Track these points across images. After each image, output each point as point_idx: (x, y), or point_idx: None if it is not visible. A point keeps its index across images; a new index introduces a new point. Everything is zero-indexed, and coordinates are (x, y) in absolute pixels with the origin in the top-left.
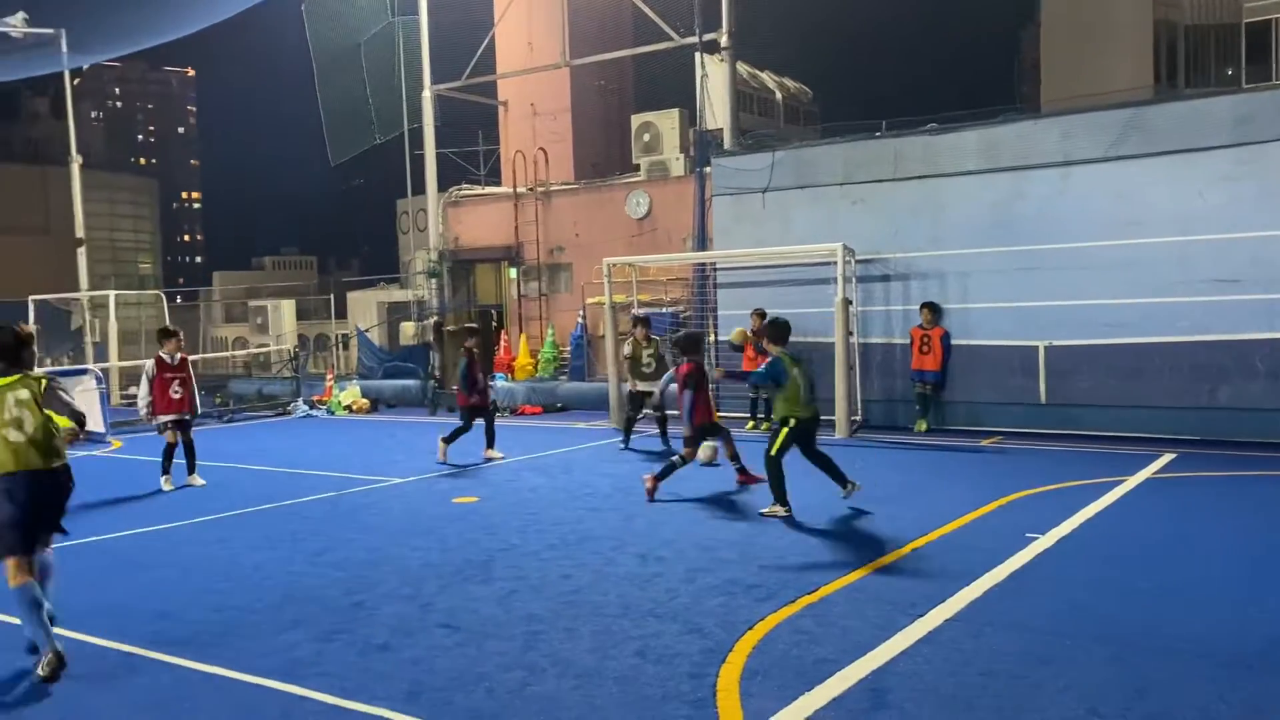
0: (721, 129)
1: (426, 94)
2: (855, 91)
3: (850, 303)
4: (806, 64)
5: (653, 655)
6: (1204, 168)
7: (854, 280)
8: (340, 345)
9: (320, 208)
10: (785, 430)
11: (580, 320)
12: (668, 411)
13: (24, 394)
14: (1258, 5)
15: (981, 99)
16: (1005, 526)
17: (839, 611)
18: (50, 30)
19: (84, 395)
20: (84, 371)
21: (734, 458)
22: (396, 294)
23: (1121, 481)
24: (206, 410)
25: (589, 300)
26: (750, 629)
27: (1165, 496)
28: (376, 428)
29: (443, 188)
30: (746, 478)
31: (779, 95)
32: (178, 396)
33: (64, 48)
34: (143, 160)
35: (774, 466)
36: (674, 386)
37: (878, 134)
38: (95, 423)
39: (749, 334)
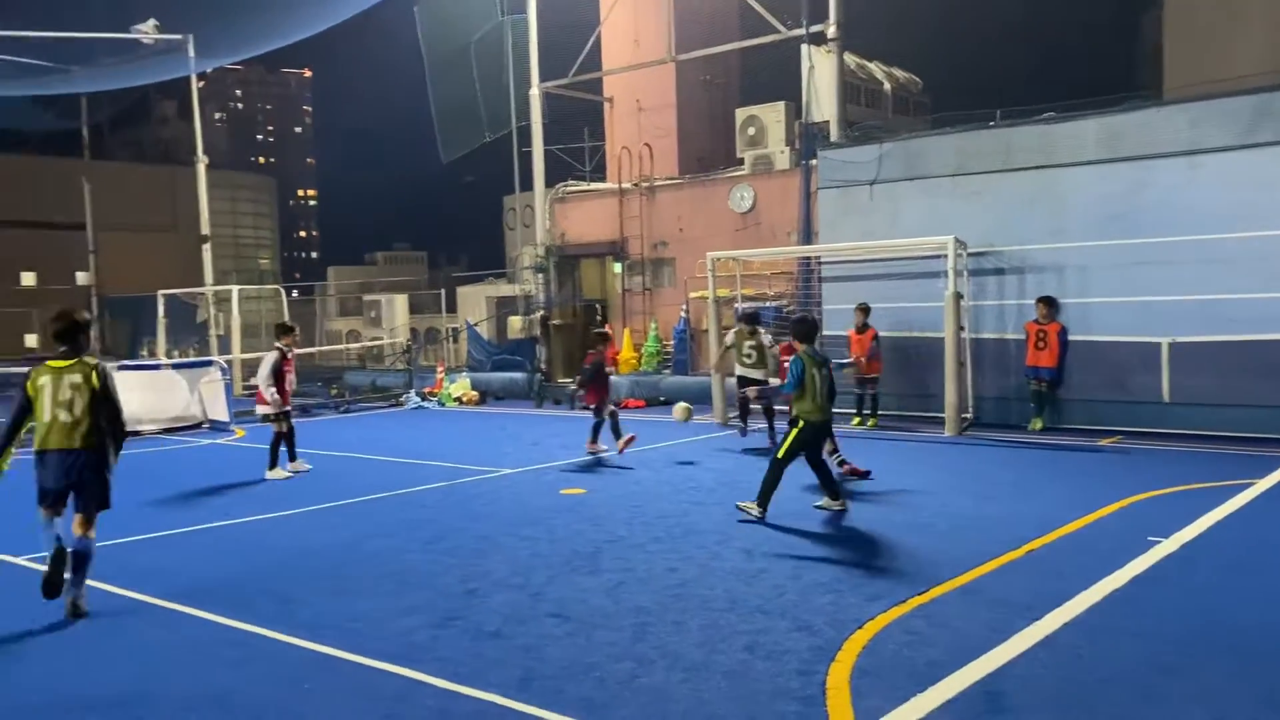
0: (828, 121)
1: (534, 91)
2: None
3: (961, 297)
4: (916, 53)
5: (761, 651)
6: None
7: (965, 274)
8: (450, 338)
9: (430, 204)
10: (795, 432)
11: (683, 314)
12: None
13: (77, 378)
14: None
15: (1100, 86)
16: (1125, 530)
17: (951, 612)
18: (179, 36)
19: (210, 386)
20: (210, 363)
21: (834, 451)
22: (504, 289)
23: (1250, 484)
24: (323, 401)
25: (692, 294)
26: (859, 628)
27: None
28: (485, 419)
29: (549, 184)
30: (851, 471)
31: (887, 86)
32: (290, 390)
33: (191, 52)
34: (262, 159)
35: (778, 469)
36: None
37: (991, 124)
38: (220, 412)
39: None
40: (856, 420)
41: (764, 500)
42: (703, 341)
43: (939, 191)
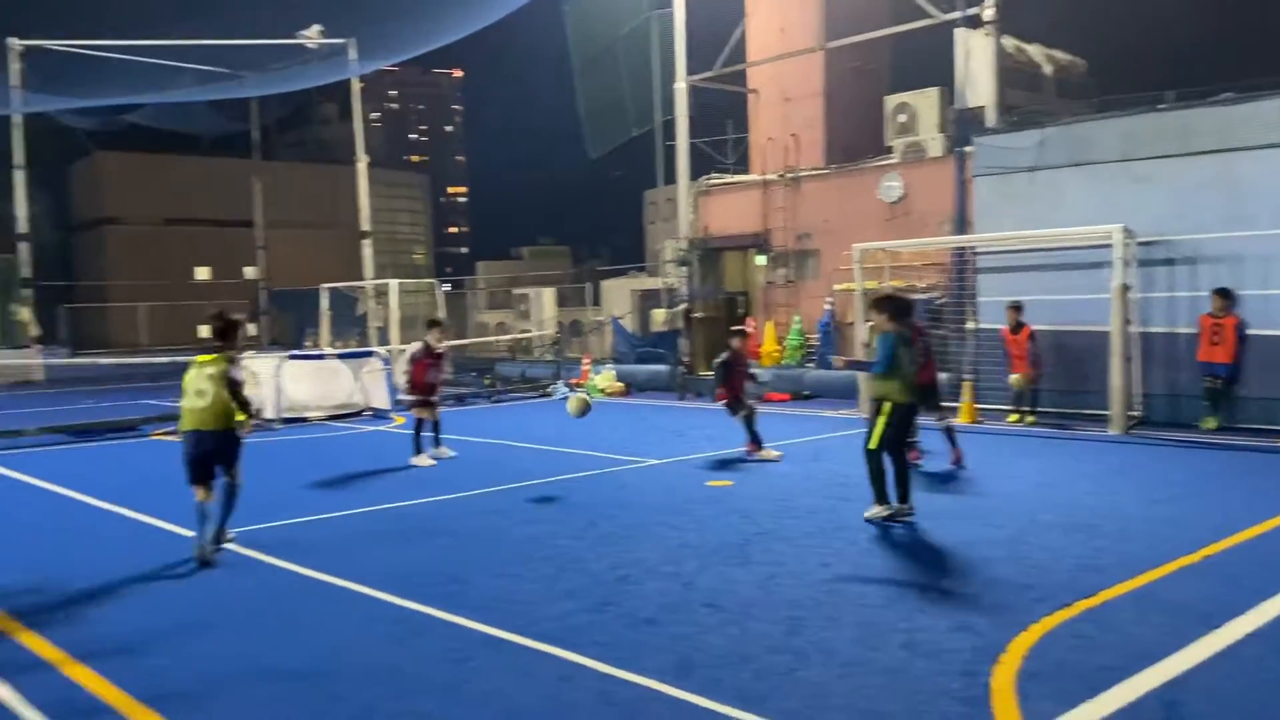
0: (984, 106)
1: (680, 85)
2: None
3: (1129, 288)
4: (1080, 34)
5: (920, 649)
6: None
7: (1134, 264)
8: (592, 332)
9: (573, 200)
10: (884, 416)
11: (828, 307)
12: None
13: (214, 370)
14: None
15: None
16: None
17: (1123, 618)
18: (341, 40)
19: (371, 375)
20: (371, 354)
21: (949, 430)
22: (648, 281)
23: None
24: (477, 390)
25: (837, 287)
26: (1024, 630)
27: None
28: (630, 410)
29: (692, 177)
30: (956, 456)
31: (1048, 69)
32: (435, 380)
33: (353, 55)
34: (414, 158)
35: (875, 461)
36: None
37: (1162, 106)
38: (381, 400)
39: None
40: (1014, 417)
41: (881, 496)
42: (848, 335)
43: (1105, 178)
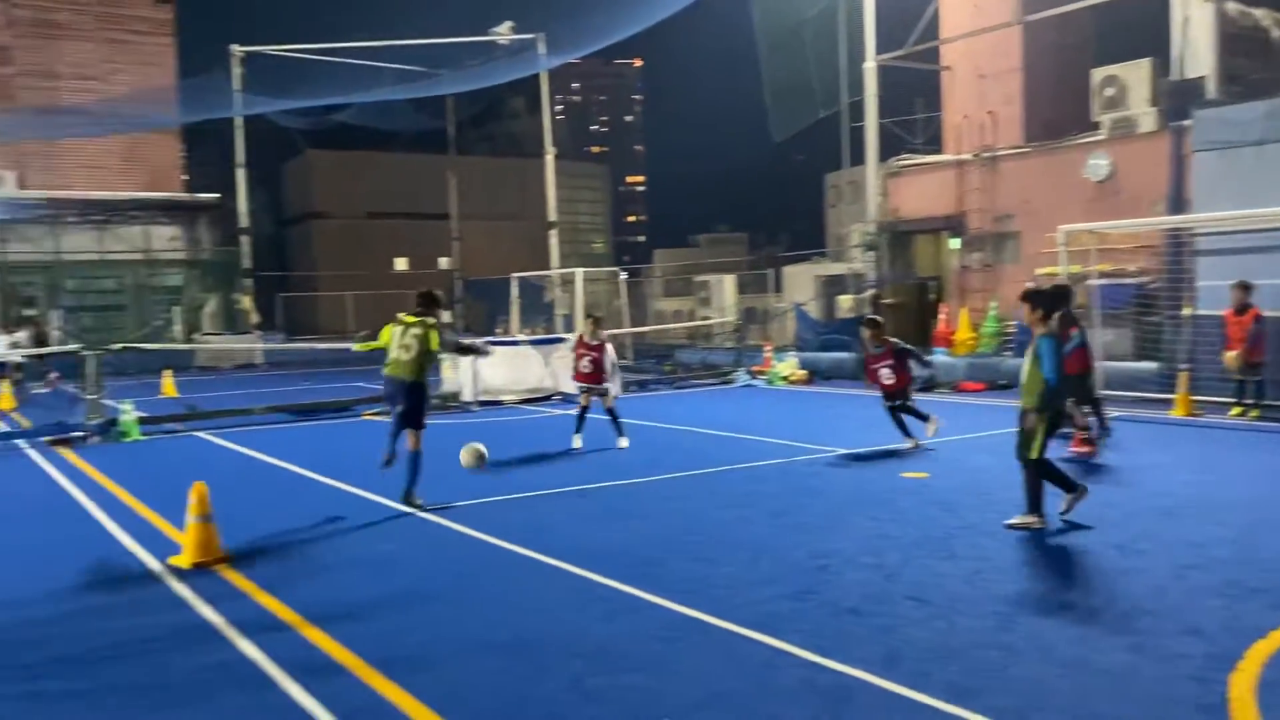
0: (1204, 77)
1: (869, 65)
2: None
3: None
4: None
5: (1147, 653)
6: None
7: None
8: (776, 319)
9: (750, 187)
10: (1042, 425)
11: None
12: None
13: (419, 330)
14: None
15: None
16: None
17: None
18: (530, 35)
19: (561, 360)
20: (562, 340)
21: (1084, 428)
22: (832, 267)
23: None
24: (658, 377)
25: (1039, 271)
26: (1262, 637)
27: None
28: (815, 399)
29: (881, 159)
30: (1079, 446)
31: (1277, 33)
32: (588, 371)
33: (542, 49)
34: (595, 148)
35: (1042, 470)
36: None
37: None
38: (570, 385)
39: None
40: (1237, 410)
41: (1036, 506)
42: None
43: None
